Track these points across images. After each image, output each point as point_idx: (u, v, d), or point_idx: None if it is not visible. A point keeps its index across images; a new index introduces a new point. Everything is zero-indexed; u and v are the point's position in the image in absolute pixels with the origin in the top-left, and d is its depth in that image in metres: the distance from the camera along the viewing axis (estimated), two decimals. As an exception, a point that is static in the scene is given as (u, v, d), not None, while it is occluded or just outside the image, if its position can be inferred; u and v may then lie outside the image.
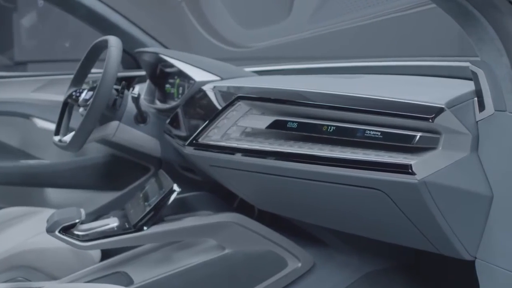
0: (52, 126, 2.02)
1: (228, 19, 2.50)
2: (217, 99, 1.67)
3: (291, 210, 1.63)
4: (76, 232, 1.58)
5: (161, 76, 2.16)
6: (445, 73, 1.38)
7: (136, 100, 1.93)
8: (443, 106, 1.10)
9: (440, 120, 1.10)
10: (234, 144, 1.47)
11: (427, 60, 1.49)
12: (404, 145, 1.15)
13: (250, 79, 1.85)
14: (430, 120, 1.10)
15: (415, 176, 1.10)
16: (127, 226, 1.63)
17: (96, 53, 1.99)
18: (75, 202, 2.30)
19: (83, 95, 1.93)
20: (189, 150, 1.60)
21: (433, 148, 1.13)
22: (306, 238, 1.87)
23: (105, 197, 2.40)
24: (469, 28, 1.08)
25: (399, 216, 1.22)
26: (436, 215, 1.15)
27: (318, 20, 2.10)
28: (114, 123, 1.96)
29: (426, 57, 1.52)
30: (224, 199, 2.08)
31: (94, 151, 2.44)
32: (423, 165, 1.11)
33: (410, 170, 1.11)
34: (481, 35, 1.06)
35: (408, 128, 1.16)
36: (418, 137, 1.13)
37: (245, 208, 1.92)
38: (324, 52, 1.97)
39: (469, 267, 1.22)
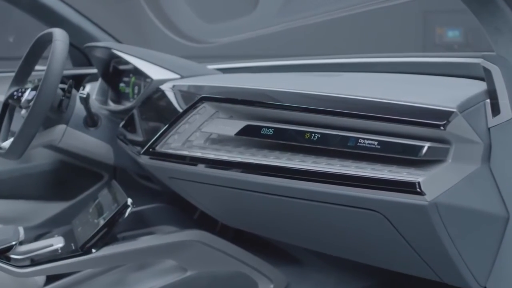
0: (-10, 130, 1.90)
1: (188, 12, 2.49)
2: (177, 100, 1.59)
3: (264, 228, 1.54)
4: (13, 256, 1.46)
5: (115, 74, 2.08)
6: (446, 71, 1.27)
7: (85, 101, 1.83)
8: (454, 110, 0.98)
9: (451, 127, 0.97)
10: (197, 153, 1.38)
11: (422, 56, 1.40)
12: (407, 157, 1.01)
13: (215, 77, 1.79)
14: (442, 128, 0.97)
15: (425, 196, 0.96)
16: (73, 247, 1.51)
17: (40, 48, 1.88)
18: (18, 215, 2.23)
19: (25, 95, 1.83)
20: (144, 160, 1.51)
21: (442, 161, 1.01)
22: (278, 255, 1.81)
23: (53, 208, 2.27)
24: (485, 15, 0.97)
25: (397, 241, 1.09)
26: (445, 240, 1.02)
27: (289, 13, 2.11)
28: (61, 127, 1.86)
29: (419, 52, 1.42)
30: (184, 210, 2.01)
31: (40, 157, 2.33)
32: (433, 183, 0.97)
33: (418, 189, 0.96)
34: (499, 24, 0.97)
35: (411, 137, 1.02)
36: (426, 148, 0.99)
37: (206, 221, 1.84)
38: (297, 48, 1.96)
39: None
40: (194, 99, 1.44)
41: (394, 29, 1.74)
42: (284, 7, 2.14)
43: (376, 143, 1.04)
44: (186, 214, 2.02)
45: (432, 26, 1.95)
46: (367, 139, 1.06)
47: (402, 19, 1.67)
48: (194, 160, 1.37)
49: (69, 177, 2.34)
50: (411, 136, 1.02)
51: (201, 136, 1.43)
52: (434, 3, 1.94)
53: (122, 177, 2.11)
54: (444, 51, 2.08)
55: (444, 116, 0.97)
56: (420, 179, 0.96)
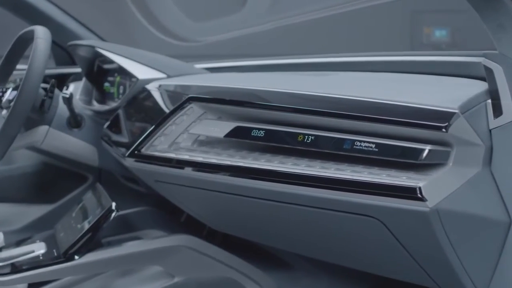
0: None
1: (175, 10, 2.49)
2: (163, 100, 1.56)
3: (255, 234, 1.51)
4: None
5: (99, 73, 2.05)
6: (445, 71, 1.24)
7: (68, 101, 1.81)
8: (456, 111, 0.94)
9: (453, 129, 0.94)
10: (184, 155, 1.35)
11: (420, 55, 1.36)
12: (406, 161, 0.97)
13: (202, 77, 1.76)
14: (444, 130, 0.93)
15: (426, 203, 0.92)
16: (55, 254, 1.49)
17: (21, 46, 1.84)
18: (-1, 218, 2.21)
19: (6, 95, 1.79)
20: (129, 162, 1.48)
21: (442, 165, 0.97)
22: (267, 259, 1.79)
23: (35, 212, 2.22)
24: (487, 11, 0.94)
25: (395, 248, 1.06)
26: (445, 247, 0.99)
27: (278, 11, 2.11)
28: (43, 128, 1.84)
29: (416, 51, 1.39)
30: (171, 213, 2.00)
31: (22, 159, 2.29)
32: (434, 188, 0.94)
33: (419, 195, 0.92)
34: (502, 21, 0.94)
35: (409, 139, 0.98)
36: (426, 151, 0.95)
37: (194, 224, 1.82)
38: (287, 47, 1.96)
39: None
40: (181, 99, 1.41)
41: (382, 28, 1.72)
42: (273, 5, 2.13)
43: (373, 145, 1.00)
44: (172, 217, 2.00)
45: (420, 26, 1.95)
46: (364, 141, 1.02)
47: (390, 18, 1.64)
48: (181, 163, 1.34)
49: (52, 179, 2.30)
50: (409, 138, 0.99)
51: (188, 138, 1.40)
52: (422, 3, 1.93)
53: (107, 179, 2.07)
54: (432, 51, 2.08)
55: (446, 117, 0.93)
56: (421, 184, 0.93)
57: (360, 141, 1.02)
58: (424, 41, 2.04)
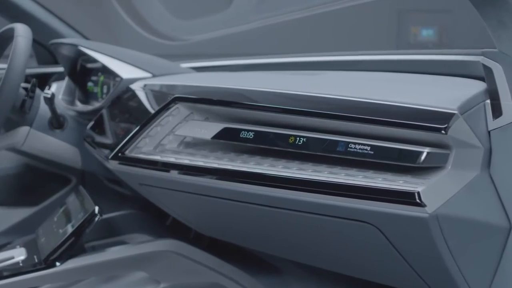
0: None
1: (160, 8, 2.48)
2: (148, 100, 1.54)
3: (242, 238, 1.48)
4: None
5: (82, 73, 2.04)
6: (441, 70, 1.21)
7: (49, 101, 1.79)
8: (455, 111, 0.91)
9: (452, 131, 0.90)
10: (170, 158, 1.32)
11: (416, 54, 1.34)
12: (403, 164, 0.94)
13: (189, 76, 1.75)
14: (443, 132, 0.89)
15: (425, 208, 0.89)
16: (36, 260, 1.47)
17: (1, 45, 1.84)
18: (-21, 223, 2.20)
19: None
20: (113, 165, 1.45)
21: (440, 168, 0.94)
22: (255, 264, 1.77)
23: (16, 215, 2.19)
24: (487, 7, 0.91)
25: (390, 254, 1.02)
26: (444, 254, 0.96)
27: (265, 9, 2.11)
28: (24, 129, 1.82)
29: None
30: (157, 216, 1.98)
31: (3, 161, 2.27)
32: (433, 192, 0.90)
33: (418, 200, 0.89)
34: (503, 17, 0.91)
35: (406, 141, 0.95)
36: (425, 154, 0.92)
37: (180, 227, 1.80)
38: (275, 46, 1.95)
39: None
40: (167, 100, 1.40)
41: (369, 27, 1.73)
42: (261, 3, 2.14)
43: (368, 148, 0.97)
44: (158, 220, 1.99)
45: (407, 25, 1.96)
46: (359, 144, 0.98)
47: (376, 16, 1.64)
48: (167, 166, 1.32)
49: (34, 182, 2.27)
50: (406, 140, 0.95)
51: (174, 139, 1.38)
52: (409, 2, 1.93)
53: (91, 181, 2.06)
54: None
55: (445, 118, 0.90)
56: (419, 189, 0.89)
57: (355, 143, 0.99)
58: (411, 41, 2.04)
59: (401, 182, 0.92)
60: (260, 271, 1.73)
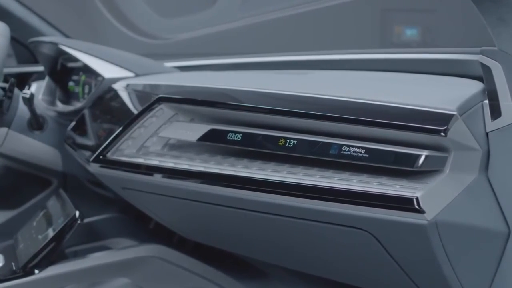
0: None
1: (142, 5, 2.42)
2: (131, 100, 1.53)
3: (229, 244, 1.45)
4: None
5: (63, 72, 2.01)
6: (435, 69, 1.18)
7: (28, 101, 1.77)
8: (454, 113, 0.88)
9: (451, 133, 0.88)
10: (154, 161, 1.31)
11: (411, 53, 1.31)
12: (399, 168, 0.91)
13: (173, 76, 1.72)
14: (443, 134, 0.86)
15: (424, 215, 0.86)
16: (14, 267, 1.46)
17: None
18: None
19: None
20: (94, 168, 1.44)
21: (438, 172, 0.91)
22: (241, 268, 1.74)
23: None
24: (487, 4, 0.90)
25: (385, 262, 1.00)
26: (442, 262, 0.93)
27: (252, 7, 2.06)
28: (2, 130, 1.80)
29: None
30: (140, 220, 1.96)
31: None
32: (432, 198, 0.87)
33: (416, 206, 0.86)
34: (503, 14, 0.91)
35: (403, 144, 0.92)
36: (423, 157, 0.89)
37: (163, 231, 1.79)
38: (262, 45, 1.93)
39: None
40: (151, 100, 1.38)
41: (354, 26, 1.73)
42: (245, 2, 2.10)
43: (363, 151, 0.94)
44: (142, 224, 1.97)
45: (390, 25, 1.97)
46: (353, 146, 0.96)
47: (361, 16, 1.69)
48: (151, 169, 1.31)
49: (13, 184, 2.21)
50: (402, 143, 0.92)
51: (158, 141, 1.37)
52: (392, 1, 1.94)
53: (72, 184, 2.04)
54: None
55: (444, 120, 0.87)
56: (418, 194, 0.86)
57: (348, 146, 0.96)
58: (395, 41, 2.06)
59: (397, 187, 0.90)
60: (246, 275, 1.73)
